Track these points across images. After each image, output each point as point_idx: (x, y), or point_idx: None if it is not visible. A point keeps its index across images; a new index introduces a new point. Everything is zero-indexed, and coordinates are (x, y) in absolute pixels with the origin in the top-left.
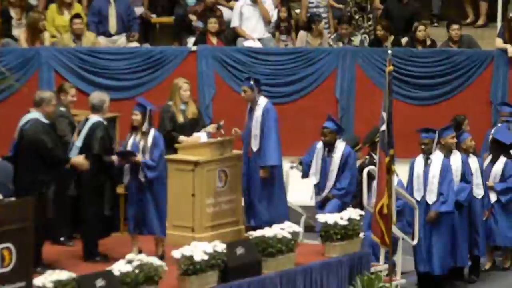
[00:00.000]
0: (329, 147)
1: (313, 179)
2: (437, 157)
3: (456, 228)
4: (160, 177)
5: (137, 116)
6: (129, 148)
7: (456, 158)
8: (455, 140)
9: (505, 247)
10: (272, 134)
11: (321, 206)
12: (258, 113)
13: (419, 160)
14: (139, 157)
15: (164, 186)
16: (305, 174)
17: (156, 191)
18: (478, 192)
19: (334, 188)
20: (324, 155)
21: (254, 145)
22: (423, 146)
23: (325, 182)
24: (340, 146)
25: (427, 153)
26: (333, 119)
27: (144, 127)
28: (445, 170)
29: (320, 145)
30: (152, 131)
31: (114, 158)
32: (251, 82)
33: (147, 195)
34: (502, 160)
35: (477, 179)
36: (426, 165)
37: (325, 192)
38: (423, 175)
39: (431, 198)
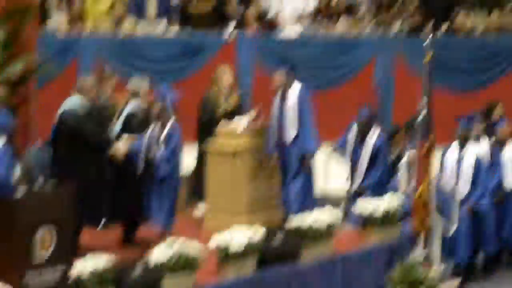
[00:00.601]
0: (362, 134)
1: (346, 161)
2: (472, 147)
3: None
4: (172, 172)
5: (157, 106)
6: (146, 138)
7: (510, 149)
8: (510, 129)
9: None
10: (310, 120)
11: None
12: (293, 98)
13: (453, 149)
14: (153, 151)
15: (178, 180)
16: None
17: (168, 185)
18: (509, 182)
19: (366, 180)
20: (356, 142)
21: (291, 132)
22: (458, 134)
23: (355, 170)
24: (373, 136)
25: (462, 143)
26: (369, 108)
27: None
28: (480, 162)
29: (355, 127)
30: (171, 122)
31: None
32: (286, 67)
33: (157, 186)
34: None
35: (508, 168)
36: (460, 155)
37: (356, 181)
38: (457, 165)
39: (464, 190)
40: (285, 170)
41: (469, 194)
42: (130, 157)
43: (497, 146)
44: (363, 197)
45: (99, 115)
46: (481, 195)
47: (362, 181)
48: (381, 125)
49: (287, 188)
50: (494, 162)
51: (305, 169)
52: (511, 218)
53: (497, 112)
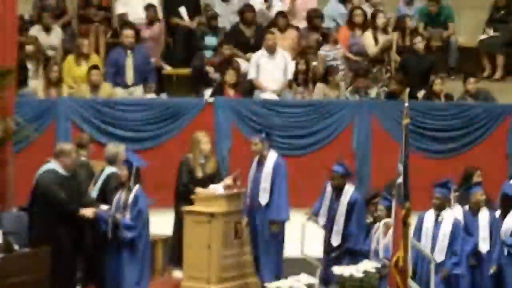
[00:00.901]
0: (338, 191)
1: (321, 220)
2: (449, 214)
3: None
4: (140, 236)
5: (123, 171)
6: (114, 203)
7: (484, 215)
8: (484, 197)
9: None
10: (284, 189)
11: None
12: (268, 166)
13: (430, 215)
14: (119, 216)
15: (147, 244)
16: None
17: (136, 249)
18: (484, 246)
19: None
20: (332, 199)
21: (263, 199)
22: (435, 201)
23: (331, 226)
24: (348, 191)
25: (439, 209)
26: (342, 163)
27: (129, 183)
28: (456, 230)
29: (330, 187)
30: (136, 188)
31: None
32: (263, 135)
33: (125, 253)
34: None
35: (484, 233)
36: (437, 222)
37: (333, 237)
38: (433, 232)
39: (439, 257)
40: (255, 237)
41: (445, 260)
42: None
43: (472, 212)
44: (340, 260)
45: (73, 183)
46: (457, 262)
47: (342, 238)
48: (358, 186)
49: (259, 255)
50: (469, 228)
51: (276, 236)
52: (486, 282)
53: (476, 178)
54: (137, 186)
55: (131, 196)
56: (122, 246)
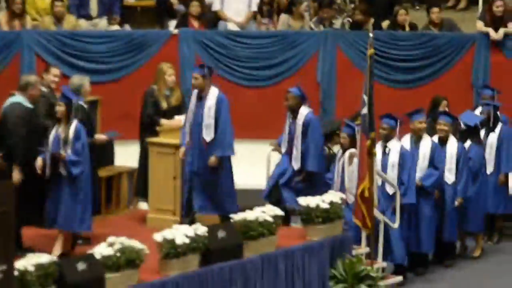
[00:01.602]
0: (293, 113)
1: (283, 148)
2: (395, 144)
3: (420, 216)
4: (83, 172)
5: (61, 107)
6: (50, 140)
7: (425, 144)
8: (423, 124)
9: (475, 232)
10: (229, 124)
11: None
12: (210, 102)
13: (377, 148)
14: (62, 152)
15: (88, 180)
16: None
17: (79, 186)
18: (449, 177)
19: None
20: (290, 122)
21: (207, 135)
22: (382, 131)
23: (291, 149)
24: (303, 112)
25: (386, 140)
26: (300, 87)
27: (69, 119)
28: (404, 159)
29: (289, 114)
30: (74, 123)
31: (99, 137)
32: (204, 69)
33: (68, 189)
34: (467, 144)
35: (450, 164)
36: (384, 153)
37: (293, 161)
38: (382, 164)
39: (390, 189)
40: (196, 170)
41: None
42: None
43: (439, 143)
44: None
45: (36, 116)
46: (404, 192)
47: (301, 162)
48: (323, 116)
49: (210, 189)
50: (435, 159)
51: (224, 170)
52: (451, 214)
53: (442, 107)
54: (76, 121)
55: (71, 131)
56: (63, 183)
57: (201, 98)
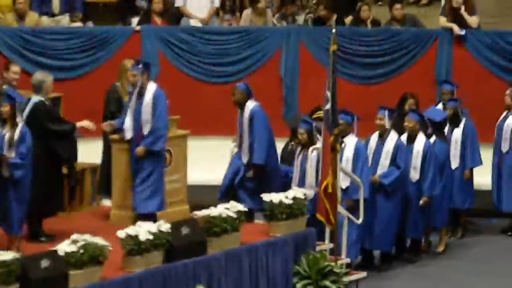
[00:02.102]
0: (241, 108)
1: (237, 144)
2: (351, 140)
3: (378, 213)
4: (27, 174)
5: (5, 108)
6: None
7: (390, 141)
8: (383, 121)
9: (439, 227)
10: (163, 119)
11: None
12: (147, 98)
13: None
14: (6, 154)
15: (29, 183)
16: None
17: (21, 188)
18: (414, 175)
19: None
20: (239, 117)
21: (147, 130)
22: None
23: (241, 143)
24: (249, 106)
25: (342, 136)
26: (247, 83)
27: (14, 120)
28: (358, 154)
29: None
30: (20, 125)
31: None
32: (140, 65)
33: (11, 191)
34: (432, 139)
35: (416, 162)
36: (340, 148)
37: (242, 155)
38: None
39: (344, 183)
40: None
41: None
42: (38, 150)
43: (408, 139)
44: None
45: None
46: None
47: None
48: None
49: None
50: (399, 157)
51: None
52: (414, 214)
53: (408, 105)
54: (21, 123)
55: (17, 133)
56: (7, 185)
57: (140, 94)
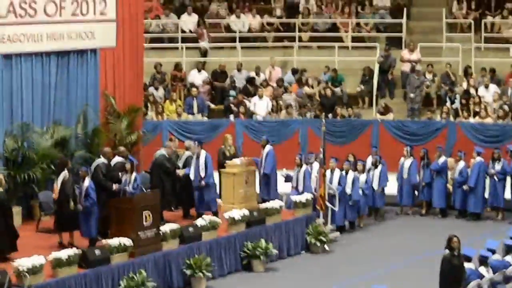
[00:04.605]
0: (263, 147)
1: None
2: (316, 166)
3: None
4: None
5: (127, 164)
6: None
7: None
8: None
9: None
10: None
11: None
12: (201, 160)
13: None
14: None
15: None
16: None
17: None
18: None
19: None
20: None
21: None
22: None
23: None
24: (267, 148)
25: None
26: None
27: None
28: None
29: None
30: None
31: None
32: (195, 142)
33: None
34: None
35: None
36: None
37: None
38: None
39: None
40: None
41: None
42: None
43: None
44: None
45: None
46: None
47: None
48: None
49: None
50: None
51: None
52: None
53: (350, 157)
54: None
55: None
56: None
57: (198, 157)
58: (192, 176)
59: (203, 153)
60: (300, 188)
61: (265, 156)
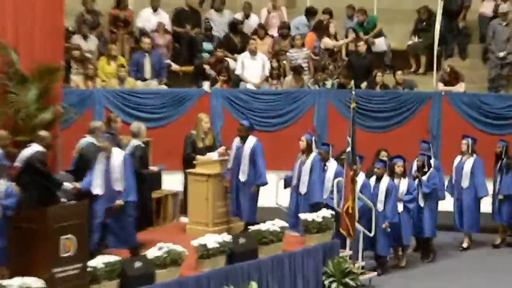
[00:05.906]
0: (243, 140)
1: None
2: (332, 164)
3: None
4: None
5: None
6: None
7: (359, 180)
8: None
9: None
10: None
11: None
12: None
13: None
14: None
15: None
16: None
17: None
18: (379, 206)
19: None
20: (238, 146)
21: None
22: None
23: (238, 167)
24: (251, 141)
25: (324, 161)
26: (249, 120)
27: None
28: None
29: (236, 140)
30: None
31: (152, 169)
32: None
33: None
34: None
35: (381, 197)
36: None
37: (240, 176)
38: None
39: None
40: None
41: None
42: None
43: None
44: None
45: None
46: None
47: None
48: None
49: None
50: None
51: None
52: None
53: (382, 155)
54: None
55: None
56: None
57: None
58: (97, 190)
59: (125, 150)
60: (303, 189)
61: (249, 155)
